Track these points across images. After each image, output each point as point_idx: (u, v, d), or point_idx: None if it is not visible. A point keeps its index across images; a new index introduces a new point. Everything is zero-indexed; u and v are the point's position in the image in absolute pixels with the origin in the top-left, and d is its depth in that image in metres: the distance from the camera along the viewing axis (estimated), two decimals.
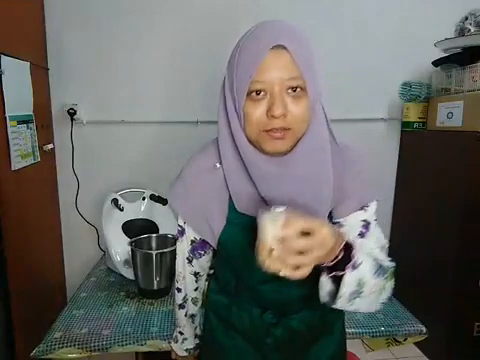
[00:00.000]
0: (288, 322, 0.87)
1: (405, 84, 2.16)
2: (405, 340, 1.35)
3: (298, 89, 0.68)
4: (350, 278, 0.65)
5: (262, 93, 0.68)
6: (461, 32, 1.91)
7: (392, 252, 2.32)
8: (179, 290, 1.03)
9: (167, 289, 1.55)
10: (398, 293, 1.69)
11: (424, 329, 1.34)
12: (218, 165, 0.79)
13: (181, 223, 0.92)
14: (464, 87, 1.90)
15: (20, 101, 1.64)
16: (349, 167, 0.77)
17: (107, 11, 1.99)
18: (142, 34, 2.04)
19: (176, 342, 1.13)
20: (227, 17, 2.07)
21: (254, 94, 0.68)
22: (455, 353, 1.95)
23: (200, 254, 0.95)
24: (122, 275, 1.66)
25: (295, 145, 0.73)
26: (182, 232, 0.93)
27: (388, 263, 0.72)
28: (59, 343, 1.21)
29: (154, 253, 1.47)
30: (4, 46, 1.51)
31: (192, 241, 0.93)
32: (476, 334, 1.93)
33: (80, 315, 1.38)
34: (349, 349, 1.13)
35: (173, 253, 1.51)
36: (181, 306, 1.05)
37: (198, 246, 0.93)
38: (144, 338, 1.25)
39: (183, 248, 0.95)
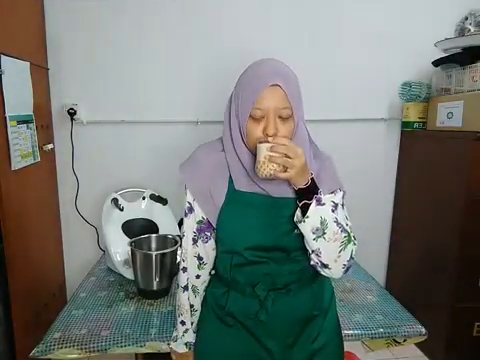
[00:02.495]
0: (278, 294, 0.99)
1: (405, 84, 2.16)
2: (404, 341, 1.35)
3: (287, 115, 0.89)
4: (314, 210, 0.87)
5: (260, 116, 0.89)
6: (461, 32, 1.91)
7: (392, 252, 2.32)
8: (184, 270, 1.07)
9: (167, 289, 1.55)
10: (398, 293, 1.70)
11: (423, 330, 1.34)
12: (224, 150, 0.99)
13: (190, 200, 1.02)
14: (464, 87, 1.90)
15: (20, 101, 1.64)
16: (323, 164, 0.99)
17: (107, 11, 2.00)
18: (142, 34, 2.04)
19: (175, 341, 1.14)
20: (226, 17, 2.08)
21: (254, 116, 0.89)
22: (455, 353, 1.95)
23: (207, 236, 1.03)
24: (122, 275, 1.66)
25: None
26: (190, 209, 1.03)
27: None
28: (58, 343, 1.21)
29: (154, 254, 1.47)
30: (4, 46, 1.51)
31: (200, 221, 1.02)
32: (476, 334, 1.93)
33: (79, 315, 1.38)
34: (349, 349, 1.13)
35: (173, 254, 1.52)
36: (185, 288, 1.08)
37: (205, 227, 1.02)
38: (143, 339, 1.25)
39: (190, 225, 1.04)
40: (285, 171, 0.84)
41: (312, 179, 0.88)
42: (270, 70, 0.90)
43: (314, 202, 0.87)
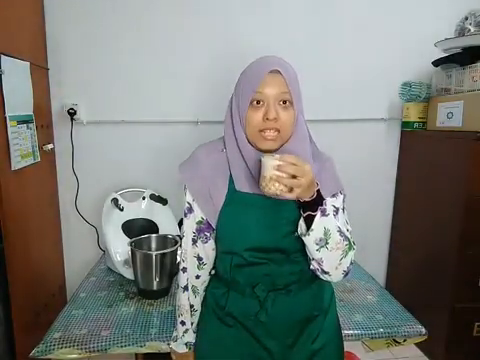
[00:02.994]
0: (278, 295, 0.99)
1: (405, 84, 2.16)
2: (404, 341, 1.35)
3: (287, 102, 0.90)
4: (319, 221, 0.85)
5: (261, 102, 0.90)
6: (461, 32, 1.91)
7: (392, 251, 2.33)
8: (184, 270, 1.07)
9: (167, 289, 1.55)
10: (398, 293, 1.70)
11: (424, 330, 1.34)
12: (224, 150, 0.99)
13: (189, 200, 1.02)
14: (464, 87, 1.90)
15: (20, 101, 1.64)
16: (323, 165, 0.98)
17: (107, 11, 1.99)
18: (142, 34, 2.04)
19: (175, 341, 1.14)
20: (226, 17, 2.08)
21: (255, 103, 0.90)
22: (455, 353, 1.95)
23: (206, 236, 1.03)
24: (122, 275, 1.66)
25: (282, 146, 0.94)
26: (190, 209, 1.03)
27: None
28: (58, 343, 1.21)
29: (154, 254, 1.47)
30: (4, 46, 1.51)
31: (199, 221, 1.02)
32: (476, 334, 1.93)
33: (79, 315, 1.38)
34: (349, 349, 1.13)
35: (173, 254, 1.52)
36: (185, 288, 1.08)
37: (204, 228, 1.02)
38: (143, 339, 1.25)
39: (189, 225, 1.04)
40: (291, 191, 0.81)
41: (318, 191, 0.86)
42: (270, 60, 0.92)
43: (319, 214, 0.85)
